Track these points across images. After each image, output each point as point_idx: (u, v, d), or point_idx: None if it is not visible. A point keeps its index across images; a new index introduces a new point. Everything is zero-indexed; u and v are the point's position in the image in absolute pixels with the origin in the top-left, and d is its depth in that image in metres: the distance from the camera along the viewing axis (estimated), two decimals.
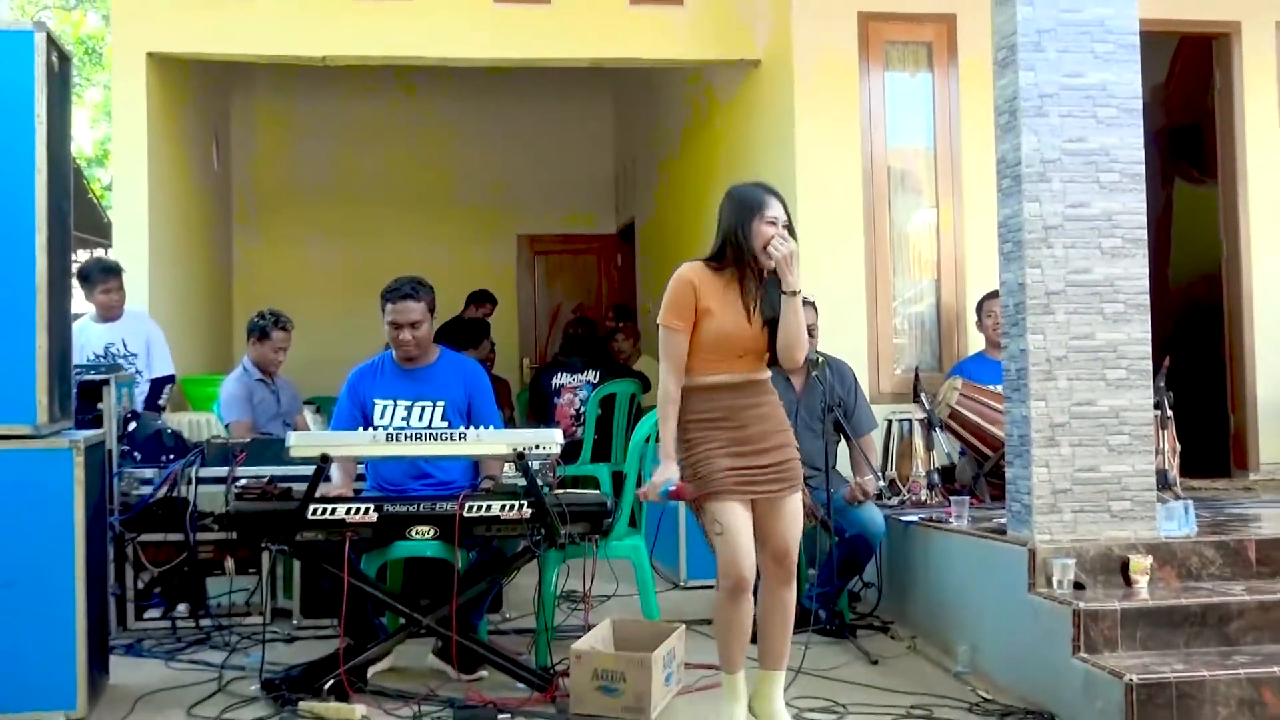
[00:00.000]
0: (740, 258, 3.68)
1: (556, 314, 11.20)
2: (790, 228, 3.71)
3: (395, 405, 4.74)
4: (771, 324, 3.71)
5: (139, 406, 5.81)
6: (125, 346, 6.39)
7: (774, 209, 3.67)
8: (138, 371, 6.27)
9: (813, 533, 5.16)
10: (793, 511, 3.75)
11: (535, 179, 11.37)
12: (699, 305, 3.68)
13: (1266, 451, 6.92)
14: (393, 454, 4.38)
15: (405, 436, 4.33)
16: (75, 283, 5.64)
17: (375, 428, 4.65)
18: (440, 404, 4.74)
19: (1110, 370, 4.36)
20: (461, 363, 4.99)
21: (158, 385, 6.16)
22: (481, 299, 9.25)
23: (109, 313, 6.37)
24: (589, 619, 4.67)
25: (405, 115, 11.10)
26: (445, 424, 4.67)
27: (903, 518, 5.27)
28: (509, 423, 4.67)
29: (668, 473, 3.67)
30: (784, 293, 3.66)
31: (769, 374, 3.82)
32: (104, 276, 6.35)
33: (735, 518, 3.64)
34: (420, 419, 4.71)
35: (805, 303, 5.33)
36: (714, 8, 7.41)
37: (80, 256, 13.03)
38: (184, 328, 8.15)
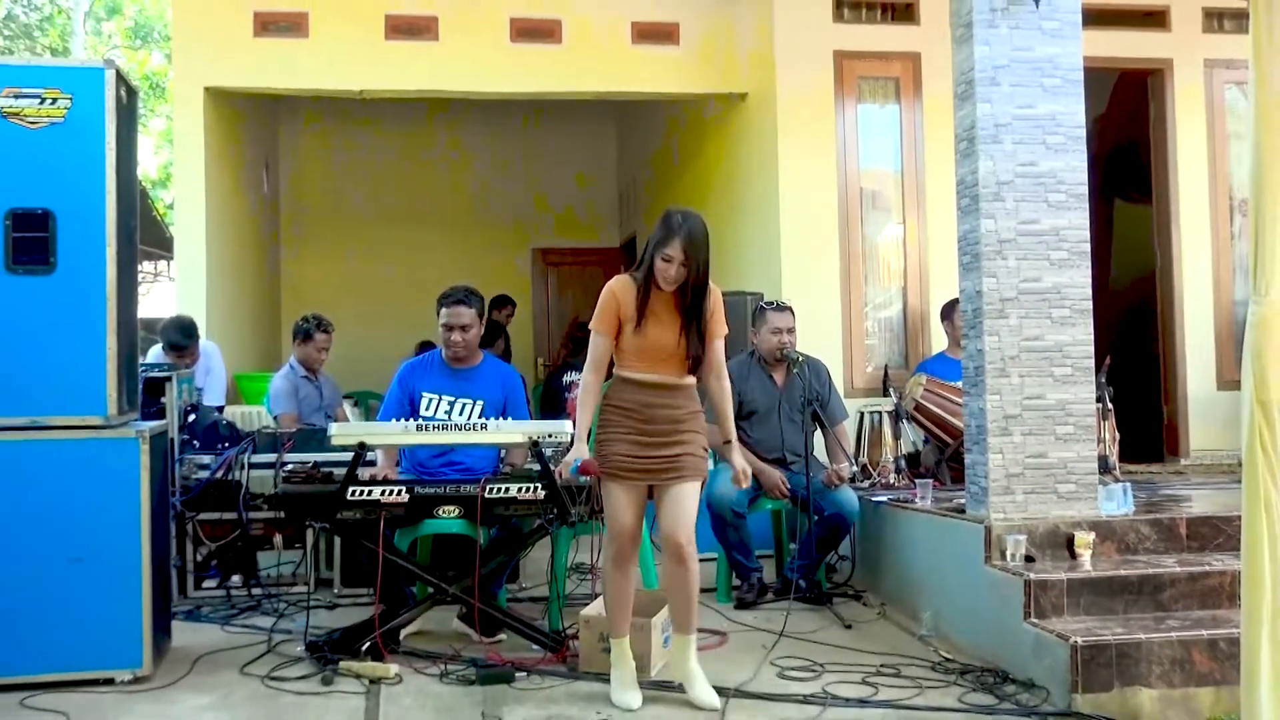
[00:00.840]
0: (648, 274, 3.68)
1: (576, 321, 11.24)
2: (692, 262, 3.61)
3: (440, 399, 4.76)
4: (687, 333, 3.68)
5: (201, 401, 5.84)
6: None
7: (671, 247, 3.61)
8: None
9: (793, 512, 5.21)
10: (680, 497, 3.68)
11: (548, 199, 11.42)
12: (620, 313, 3.70)
13: (1195, 440, 6.95)
14: (420, 442, 4.42)
15: (432, 427, 4.36)
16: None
17: (419, 416, 4.67)
18: (480, 402, 4.76)
19: (1057, 368, 4.38)
20: (502, 369, 5.02)
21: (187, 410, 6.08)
22: (502, 303, 9.22)
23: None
24: (596, 588, 4.70)
25: (432, 142, 11.12)
26: (482, 419, 4.66)
27: (873, 498, 5.30)
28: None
29: (577, 453, 3.71)
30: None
31: (693, 382, 3.77)
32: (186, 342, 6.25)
33: (620, 496, 3.68)
34: (461, 414, 4.73)
35: (783, 307, 5.41)
36: (706, 47, 7.44)
37: (145, 268, 13.07)
38: (237, 330, 8.18)
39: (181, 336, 6.19)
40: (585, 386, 3.79)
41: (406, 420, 4.50)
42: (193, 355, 6.26)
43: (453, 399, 4.76)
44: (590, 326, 3.78)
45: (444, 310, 4.74)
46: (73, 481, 3.86)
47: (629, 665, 3.74)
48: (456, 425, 4.55)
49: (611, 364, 3.80)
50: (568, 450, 3.88)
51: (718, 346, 3.80)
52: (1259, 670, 3.15)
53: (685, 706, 3.64)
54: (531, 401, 9.10)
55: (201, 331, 6.90)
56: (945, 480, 5.57)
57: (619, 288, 3.75)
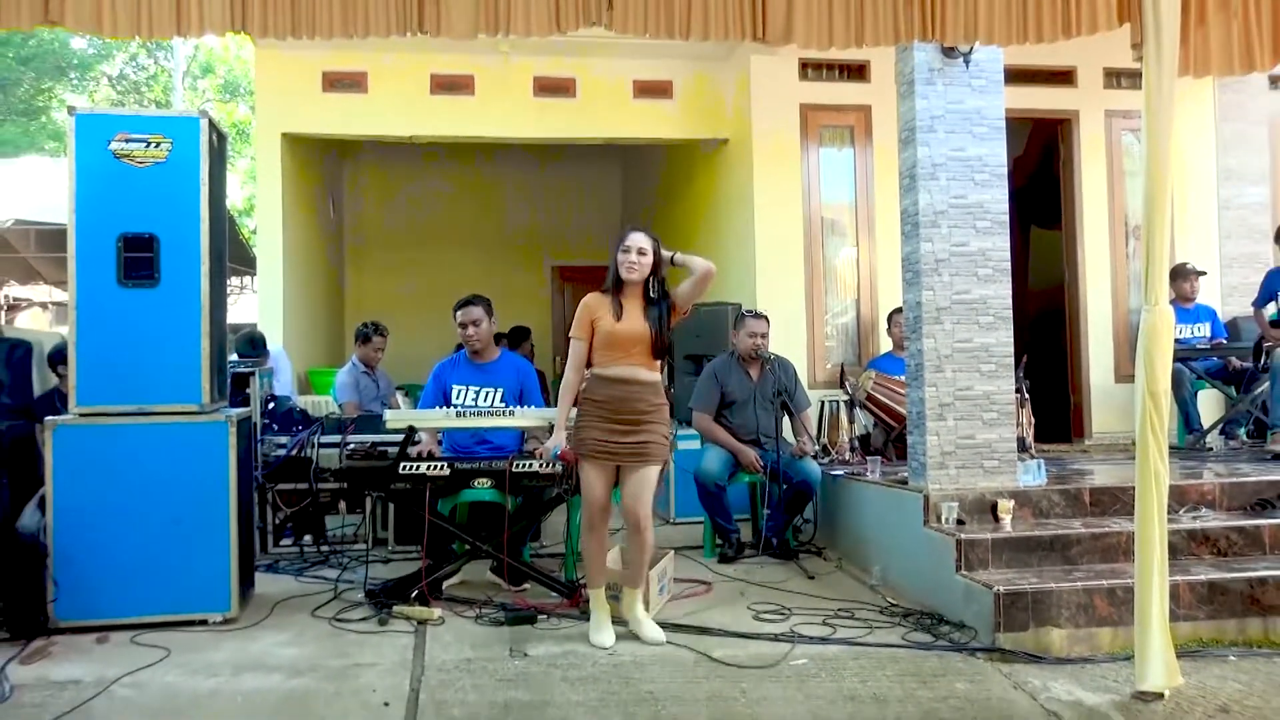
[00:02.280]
0: (616, 273, 3.71)
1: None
2: (652, 250, 3.68)
3: (468, 389, 4.75)
4: (655, 328, 3.67)
5: (274, 392, 5.84)
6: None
7: (630, 238, 3.70)
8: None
9: (766, 483, 5.21)
10: (642, 478, 3.68)
11: (563, 224, 11.38)
12: (593, 320, 3.71)
13: (1097, 423, 6.95)
14: (459, 425, 4.43)
15: (469, 413, 4.37)
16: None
17: (451, 405, 4.67)
18: (500, 389, 4.75)
19: (983, 364, 4.38)
20: (517, 361, 5.01)
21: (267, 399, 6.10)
22: (522, 336, 8.53)
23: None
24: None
25: (469, 178, 11.10)
26: (502, 404, 4.68)
27: (832, 472, 5.29)
28: (547, 404, 4.69)
29: (556, 440, 3.72)
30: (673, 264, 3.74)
31: (659, 379, 3.77)
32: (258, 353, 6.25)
33: (592, 474, 3.68)
34: (485, 400, 4.72)
35: (759, 315, 5.41)
36: (694, 100, 7.44)
37: (233, 282, 13.04)
38: (308, 333, 8.18)
39: (248, 348, 6.22)
40: (566, 384, 3.79)
41: (441, 407, 4.54)
42: (263, 361, 6.26)
43: (477, 388, 4.76)
44: (570, 335, 3.78)
45: (459, 313, 4.77)
46: (173, 457, 3.86)
47: (604, 610, 3.73)
48: (488, 411, 4.54)
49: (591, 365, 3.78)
50: (549, 436, 3.88)
51: (682, 290, 3.74)
52: (1150, 613, 3.16)
53: (644, 643, 3.65)
54: (550, 390, 9.12)
55: (279, 334, 6.92)
56: (891, 457, 5.57)
57: (591, 299, 3.78)
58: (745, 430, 5.25)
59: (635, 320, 3.68)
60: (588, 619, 3.85)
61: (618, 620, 3.80)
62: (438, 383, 4.82)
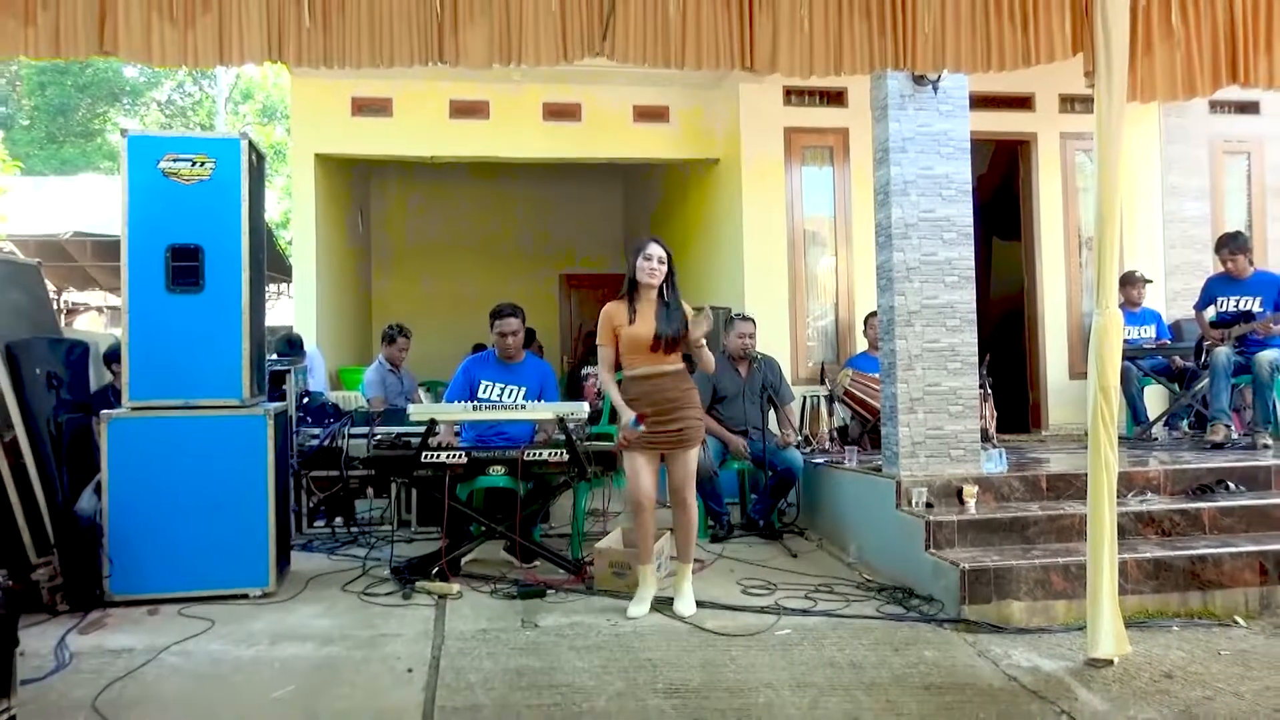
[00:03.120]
0: (635, 285, 3.70)
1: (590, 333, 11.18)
2: (667, 259, 3.69)
3: (494, 385, 4.76)
4: (669, 328, 3.66)
5: (309, 388, 5.83)
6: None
7: (650, 248, 3.70)
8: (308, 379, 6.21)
9: (753, 470, 5.21)
10: (685, 461, 3.71)
11: (570, 236, 11.36)
12: (615, 327, 3.71)
13: (1054, 416, 6.94)
14: (476, 419, 4.42)
15: (484, 407, 4.36)
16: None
17: (477, 398, 4.68)
18: (523, 388, 4.76)
19: (950, 363, 4.38)
20: (539, 363, 5.02)
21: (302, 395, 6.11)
22: (529, 339, 8.72)
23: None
24: (607, 527, 4.72)
25: (484, 194, 11.08)
26: (524, 401, 4.68)
27: (813, 460, 5.29)
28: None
29: (627, 416, 3.67)
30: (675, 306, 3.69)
31: (682, 367, 3.76)
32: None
33: (638, 462, 3.67)
34: (509, 396, 4.73)
35: (747, 318, 5.40)
36: (689, 124, 7.43)
37: (271, 289, 13.03)
38: (339, 335, 8.18)
39: (286, 347, 6.21)
40: (605, 381, 3.79)
41: (466, 400, 4.56)
42: (300, 360, 6.26)
43: (504, 385, 4.77)
44: (596, 343, 3.77)
45: (497, 322, 4.76)
46: (216, 447, 3.87)
47: (651, 584, 3.74)
48: (502, 405, 4.54)
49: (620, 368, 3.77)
50: (590, 421, 3.80)
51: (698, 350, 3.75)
52: (1101, 587, 3.16)
53: (672, 618, 3.65)
54: (561, 388, 9.13)
55: (312, 335, 6.91)
56: (867, 447, 5.55)
57: (610, 307, 3.77)
58: (735, 422, 5.25)
59: (650, 322, 3.68)
60: (592, 593, 3.85)
61: (619, 594, 3.81)
62: (467, 376, 4.82)
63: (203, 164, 3.87)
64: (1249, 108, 7.27)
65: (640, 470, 3.68)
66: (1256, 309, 5.63)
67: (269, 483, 3.92)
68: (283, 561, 4.18)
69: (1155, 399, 6.63)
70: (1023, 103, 6.99)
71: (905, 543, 4.08)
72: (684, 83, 7.21)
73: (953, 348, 4.38)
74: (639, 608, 3.66)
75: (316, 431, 5.27)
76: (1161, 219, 7.23)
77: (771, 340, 6.30)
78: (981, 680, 3.01)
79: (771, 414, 5.40)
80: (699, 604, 3.74)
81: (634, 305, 3.70)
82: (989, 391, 5.36)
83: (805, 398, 6.16)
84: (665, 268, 3.70)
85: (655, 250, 3.70)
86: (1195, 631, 3.52)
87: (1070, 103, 7.03)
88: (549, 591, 3.94)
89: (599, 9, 2.91)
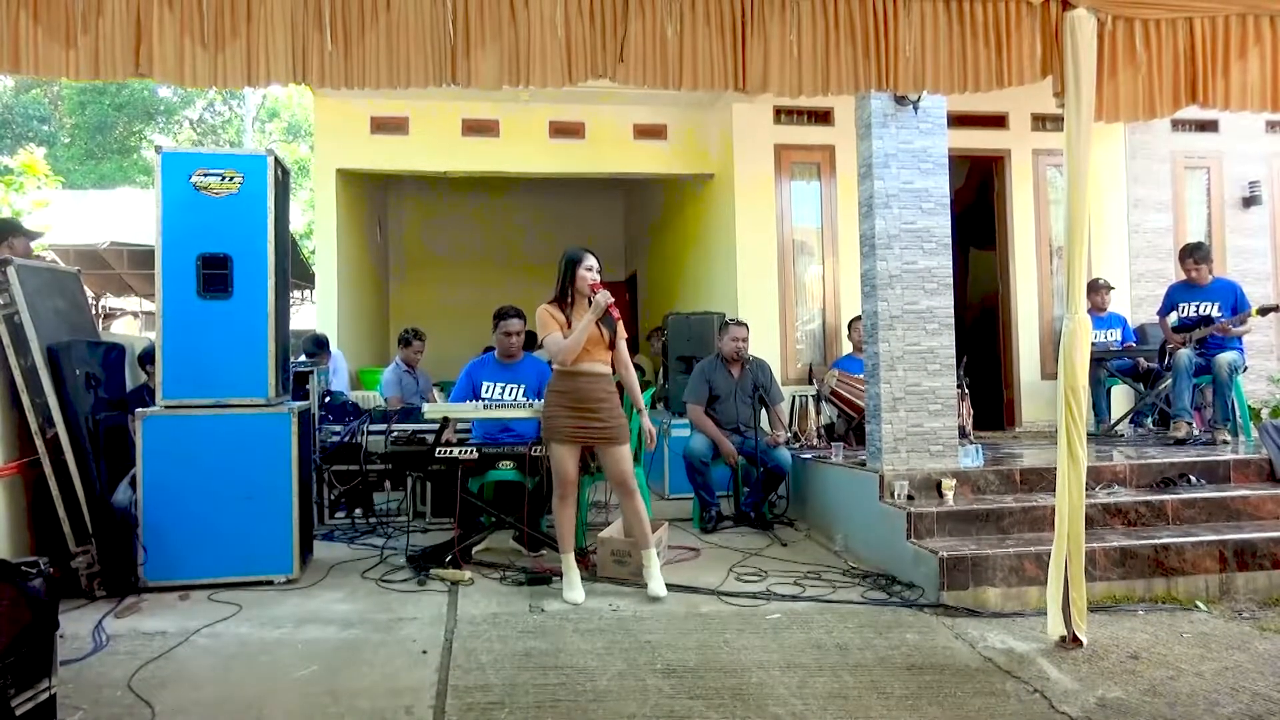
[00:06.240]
0: (569, 292, 3.69)
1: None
2: (600, 267, 3.72)
3: (495, 385, 4.77)
4: (609, 331, 3.69)
5: (331, 389, 5.83)
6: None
7: (589, 261, 3.70)
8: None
9: (745, 465, 5.21)
10: (617, 456, 3.69)
11: (574, 245, 11.37)
12: (559, 324, 3.67)
13: (1027, 414, 6.95)
14: (486, 416, 4.41)
15: (494, 406, 4.36)
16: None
17: (481, 398, 4.68)
18: (523, 386, 4.76)
19: (929, 365, 4.39)
20: (537, 362, 5.00)
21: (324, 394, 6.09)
22: (530, 342, 8.75)
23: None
24: (609, 518, 4.72)
25: (494, 207, 11.10)
26: (525, 399, 4.68)
27: (802, 456, 5.29)
28: None
29: (600, 301, 3.61)
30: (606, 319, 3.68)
31: (609, 371, 3.75)
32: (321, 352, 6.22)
33: (562, 452, 3.66)
34: (510, 394, 4.73)
35: (740, 323, 5.41)
36: (686, 141, 7.43)
37: (295, 295, 13.03)
38: (359, 338, 8.18)
39: (314, 347, 6.22)
40: (572, 339, 3.62)
41: (471, 401, 4.57)
42: (324, 360, 6.26)
43: (504, 384, 4.78)
44: (549, 335, 3.66)
45: (501, 323, 4.78)
46: (243, 443, 3.87)
47: (574, 572, 3.72)
48: (510, 404, 4.54)
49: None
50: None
51: (622, 346, 3.80)
52: (1072, 573, 3.16)
53: (642, 600, 3.64)
54: None
55: (333, 339, 6.91)
56: (852, 443, 5.56)
57: (550, 308, 3.72)
58: (728, 420, 5.24)
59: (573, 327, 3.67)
60: (595, 579, 3.85)
61: (620, 580, 3.80)
62: (469, 379, 4.83)
63: (232, 178, 3.87)
64: (1209, 126, 7.29)
65: (564, 459, 3.68)
66: (1215, 314, 5.64)
67: (293, 476, 3.92)
68: (306, 550, 4.18)
69: (1121, 398, 6.63)
70: (997, 121, 7.00)
71: (888, 533, 4.08)
72: (681, 103, 7.21)
73: (932, 350, 4.38)
74: (575, 592, 3.64)
75: (337, 428, 5.27)
76: (1127, 229, 7.24)
77: (763, 343, 6.31)
78: (959, 661, 3.01)
79: (763, 413, 5.41)
80: (694, 589, 3.73)
81: (567, 314, 3.70)
82: (966, 391, 5.37)
83: (794, 397, 6.17)
84: (599, 276, 3.73)
85: (594, 261, 3.73)
86: (1159, 615, 3.52)
87: (1042, 121, 7.04)
88: (554, 578, 3.93)
89: (602, 35, 2.92)
